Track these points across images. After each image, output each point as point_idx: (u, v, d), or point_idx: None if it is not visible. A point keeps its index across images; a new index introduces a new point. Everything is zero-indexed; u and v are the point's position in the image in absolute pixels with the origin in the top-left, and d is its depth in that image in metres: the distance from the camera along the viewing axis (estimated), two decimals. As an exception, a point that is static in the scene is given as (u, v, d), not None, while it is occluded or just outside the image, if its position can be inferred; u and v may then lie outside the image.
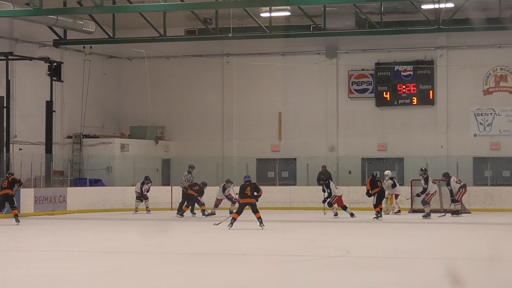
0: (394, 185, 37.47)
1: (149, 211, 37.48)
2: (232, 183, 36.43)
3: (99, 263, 21.35)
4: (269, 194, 37.87)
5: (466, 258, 20.97)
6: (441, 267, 20.06)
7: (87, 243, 26.41)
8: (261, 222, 27.56)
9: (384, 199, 36.85)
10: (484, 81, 43.25)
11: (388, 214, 37.21)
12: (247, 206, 27.85)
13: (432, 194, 32.32)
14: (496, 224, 32.44)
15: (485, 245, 25.46)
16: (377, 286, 15.03)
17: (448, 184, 34.27)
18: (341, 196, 34.04)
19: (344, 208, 32.08)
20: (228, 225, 28.00)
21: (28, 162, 39.27)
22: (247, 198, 27.71)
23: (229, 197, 36.59)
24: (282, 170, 43.98)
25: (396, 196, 37.64)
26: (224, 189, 36.45)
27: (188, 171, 37.04)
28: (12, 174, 32.67)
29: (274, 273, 18.68)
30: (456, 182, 34.06)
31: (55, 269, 19.68)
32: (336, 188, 34.29)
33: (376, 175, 33.94)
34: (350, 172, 43.48)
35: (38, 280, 17.74)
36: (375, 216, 33.71)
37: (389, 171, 38.05)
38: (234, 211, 33.06)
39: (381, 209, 34.44)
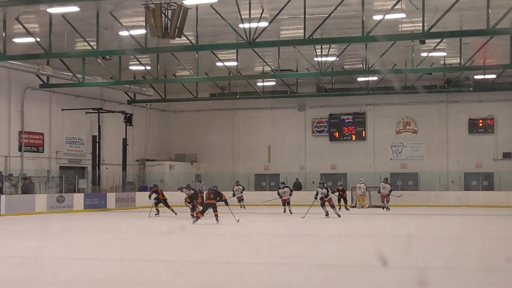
0: (366, 189, 37.27)
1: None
2: (236, 184, 36.84)
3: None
4: (262, 196, 37.99)
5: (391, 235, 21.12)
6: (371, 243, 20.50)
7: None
8: (216, 218, 24.85)
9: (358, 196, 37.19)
10: (396, 125, 43.81)
11: (361, 208, 36.46)
12: (210, 207, 25.34)
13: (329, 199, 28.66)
14: (406, 214, 32.00)
15: (404, 227, 26.06)
16: (325, 254, 14.41)
17: (379, 190, 34.61)
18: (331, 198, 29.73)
19: (333, 207, 28.78)
20: (193, 221, 25.23)
21: (111, 177, 40.17)
22: (210, 200, 25.35)
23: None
24: (270, 181, 44.16)
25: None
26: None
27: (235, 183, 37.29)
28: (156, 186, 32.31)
29: (263, 245, 19.32)
30: (383, 188, 33.93)
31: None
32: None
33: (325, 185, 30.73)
34: (313, 182, 43.50)
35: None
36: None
37: (361, 178, 38.07)
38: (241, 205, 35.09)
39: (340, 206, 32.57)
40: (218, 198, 25.19)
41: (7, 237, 21.75)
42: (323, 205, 28.87)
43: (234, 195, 35.48)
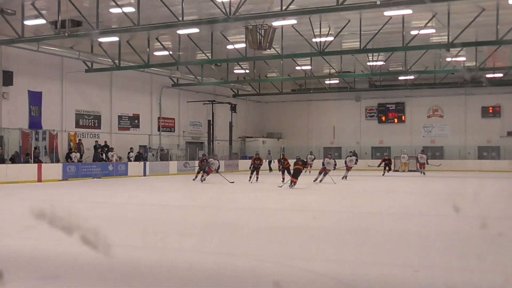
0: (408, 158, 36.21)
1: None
2: (310, 154, 36.38)
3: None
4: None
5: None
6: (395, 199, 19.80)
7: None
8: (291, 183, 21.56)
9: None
10: (427, 112, 43.25)
11: (402, 172, 35.21)
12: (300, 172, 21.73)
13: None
14: (436, 177, 30.91)
15: (436, 186, 25.23)
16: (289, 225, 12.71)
17: (417, 159, 33.07)
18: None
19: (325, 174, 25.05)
20: (291, 186, 21.42)
21: (221, 149, 40.78)
22: (298, 166, 21.67)
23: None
24: (335, 152, 43.74)
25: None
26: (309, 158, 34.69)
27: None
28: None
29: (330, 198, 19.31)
30: (420, 158, 32.36)
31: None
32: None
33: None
34: (366, 153, 43.23)
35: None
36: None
37: (405, 150, 37.37)
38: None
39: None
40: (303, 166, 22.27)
41: (152, 190, 22.59)
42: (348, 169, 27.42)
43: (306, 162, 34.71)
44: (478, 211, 13.20)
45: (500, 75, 37.29)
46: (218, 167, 26.31)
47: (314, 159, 35.83)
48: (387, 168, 32.50)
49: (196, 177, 26.84)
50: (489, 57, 29.91)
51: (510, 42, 25.38)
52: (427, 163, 32.32)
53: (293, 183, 21.57)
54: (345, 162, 28.42)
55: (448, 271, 7.26)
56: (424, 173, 31.96)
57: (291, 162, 23.58)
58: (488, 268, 7.43)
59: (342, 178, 26.58)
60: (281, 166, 26.04)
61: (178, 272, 7.33)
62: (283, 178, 24.11)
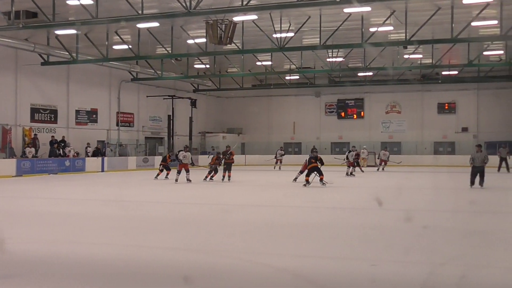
0: (367, 154, 36.11)
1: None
2: (280, 149, 35.43)
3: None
4: (290, 158, 37.76)
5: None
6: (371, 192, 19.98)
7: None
8: (321, 181, 19.80)
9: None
10: (386, 107, 43.70)
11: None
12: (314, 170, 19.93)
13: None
14: (394, 172, 31.24)
15: (393, 180, 25.64)
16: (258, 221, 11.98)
17: (379, 156, 32.86)
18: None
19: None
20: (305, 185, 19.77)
21: (181, 144, 40.46)
22: (313, 164, 19.90)
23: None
24: (295, 147, 43.99)
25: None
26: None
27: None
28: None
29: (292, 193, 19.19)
30: (383, 154, 32.17)
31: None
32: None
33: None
34: (325, 149, 43.23)
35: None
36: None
37: (365, 146, 37.27)
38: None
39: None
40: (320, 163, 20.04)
41: (109, 186, 22.33)
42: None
43: (275, 157, 34.49)
44: (424, 204, 13.46)
45: (455, 72, 38.05)
46: (192, 160, 23.30)
47: (284, 154, 35.43)
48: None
49: (207, 177, 23.19)
50: (444, 55, 30.44)
51: (465, 40, 25.97)
52: (388, 160, 32.35)
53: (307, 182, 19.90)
54: (347, 157, 27.25)
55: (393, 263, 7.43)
56: (383, 169, 31.89)
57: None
58: (414, 259, 7.63)
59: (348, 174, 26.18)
60: (222, 162, 23.08)
61: (138, 268, 7.29)
62: (224, 176, 22.74)
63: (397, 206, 14.26)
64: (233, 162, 23.48)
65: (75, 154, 31.25)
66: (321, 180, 19.72)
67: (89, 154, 32.17)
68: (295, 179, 22.21)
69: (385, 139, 42.57)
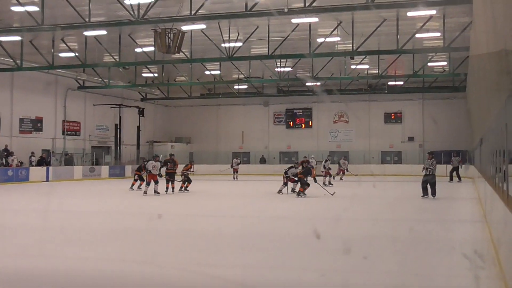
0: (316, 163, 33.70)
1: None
2: (236, 158, 34.88)
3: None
4: (240, 167, 37.87)
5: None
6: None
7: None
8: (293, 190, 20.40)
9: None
10: (333, 117, 44.12)
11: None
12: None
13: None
14: (344, 181, 30.93)
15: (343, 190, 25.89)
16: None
17: (340, 164, 31.60)
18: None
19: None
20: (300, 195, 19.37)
21: (128, 153, 40.06)
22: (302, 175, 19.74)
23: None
24: (243, 157, 44.00)
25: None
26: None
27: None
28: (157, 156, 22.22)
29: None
30: (343, 163, 31.22)
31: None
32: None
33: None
34: (274, 158, 43.66)
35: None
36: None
37: (313, 155, 35.45)
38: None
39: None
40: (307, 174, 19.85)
41: (54, 196, 21.83)
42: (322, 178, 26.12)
43: (232, 166, 33.89)
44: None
45: (401, 82, 38.81)
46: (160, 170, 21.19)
47: (240, 163, 35.02)
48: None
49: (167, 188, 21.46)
50: (390, 65, 31.02)
51: (410, 51, 26.56)
52: (347, 170, 31.35)
53: (301, 193, 19.53)
54: (324, 166, 27.05)
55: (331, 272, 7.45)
56: (341, 179, 30.52)
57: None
58: (304, 266, 7.71)
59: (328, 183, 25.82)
60: (165, 171, 21.65)
61: (76, 281, 7.12)
62: (167, 187, 21.31)
63: (345, 216, 14.38)
64: (175, 172, 21.90)
65: (19, 164, 30.45)
66: (299, 191, 19.48)
67: (33, 163, 31.42)
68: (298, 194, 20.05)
69: (333, 148, 42.96)
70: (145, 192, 20.58)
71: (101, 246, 9.68)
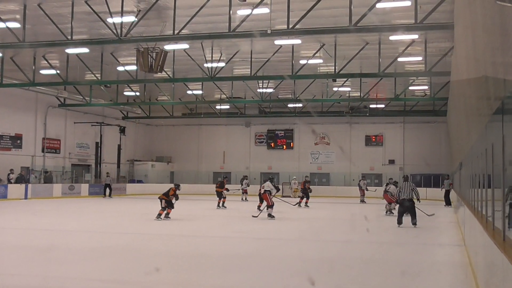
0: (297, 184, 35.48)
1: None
2: (245, 178, 34.24)
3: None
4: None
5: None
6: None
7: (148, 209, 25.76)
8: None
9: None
10: (315, 139, 44.37)
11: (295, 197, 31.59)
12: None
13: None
14: (324, 203, 30.96)
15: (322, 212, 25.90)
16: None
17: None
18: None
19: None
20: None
21: (109, 171, 39.90)
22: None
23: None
24: (224, 177, 43.89)
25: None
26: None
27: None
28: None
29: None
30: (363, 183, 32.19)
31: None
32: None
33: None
34: (255, 179, 43.60)
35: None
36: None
37: (295, 177, 37.21)
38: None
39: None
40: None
41: (33, 214, 21.60)
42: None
43: (242, 187, 33.02)
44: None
45: (383, 106, 39.17)
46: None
47: (248, 185, 33.58)
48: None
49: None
50: (372, 89, 31.31)
51: (391, 75, 26.88)
52: (367, 189, 32.23)
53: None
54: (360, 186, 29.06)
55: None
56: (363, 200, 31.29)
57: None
58: None
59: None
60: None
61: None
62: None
63: (321, 237, 14.39)
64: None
65: (-3, 181, 30.12)
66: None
67: (12, 180, 31.04)
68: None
69: (314, 170, 43.09)
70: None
71: (80, 265, 9.59)
